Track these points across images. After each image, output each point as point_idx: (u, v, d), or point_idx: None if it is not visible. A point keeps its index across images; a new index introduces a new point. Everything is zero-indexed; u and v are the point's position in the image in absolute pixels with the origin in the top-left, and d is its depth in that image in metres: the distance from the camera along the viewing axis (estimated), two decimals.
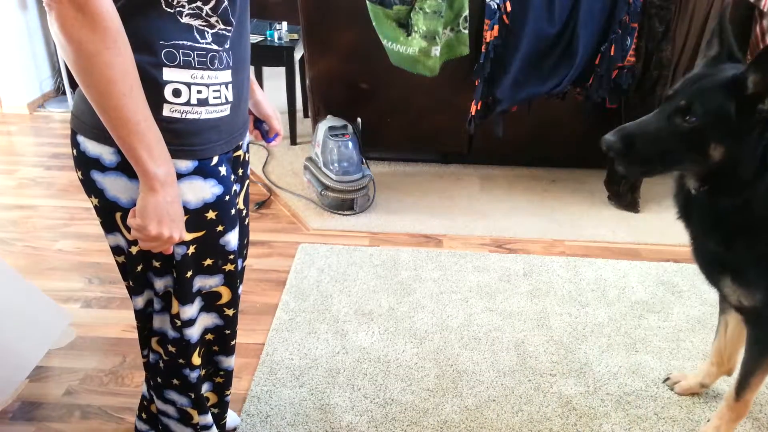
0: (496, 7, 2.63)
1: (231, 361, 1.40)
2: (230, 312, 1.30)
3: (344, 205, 2.89)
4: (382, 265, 2.51)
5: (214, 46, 1.03)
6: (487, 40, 2.68)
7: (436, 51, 2.66)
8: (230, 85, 1.08)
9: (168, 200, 1.00)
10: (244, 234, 1.40)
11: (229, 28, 1.04)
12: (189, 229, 1.11)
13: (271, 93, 4.12)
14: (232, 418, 1.71)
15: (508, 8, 2.63)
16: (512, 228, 2.83)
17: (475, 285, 2.40)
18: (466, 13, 2.68)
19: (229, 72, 1.07)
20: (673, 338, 2.13)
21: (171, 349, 1.25)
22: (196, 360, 1.28)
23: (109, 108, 0.92)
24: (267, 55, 3.52)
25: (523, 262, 2.55)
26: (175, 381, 1.30)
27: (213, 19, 1.01)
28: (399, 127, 3.21)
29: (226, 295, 1.26)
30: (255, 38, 3.51)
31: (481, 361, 2.00)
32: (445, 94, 3.00)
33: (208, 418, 1.39)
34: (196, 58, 1.01)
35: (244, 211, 1.38)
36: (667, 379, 1.93)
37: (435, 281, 2.41)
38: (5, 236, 2.64)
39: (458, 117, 2.96)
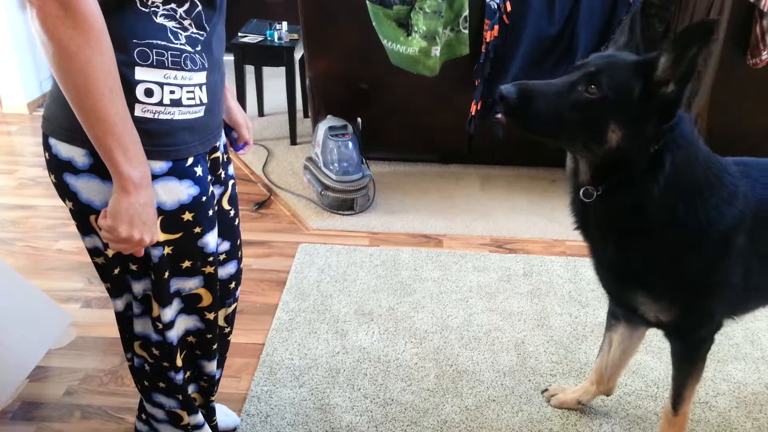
0: (496, 7, 2.63)
1: (213, 366, 1.38)
2: (211, 316, 1.28)
3: (344, 205, 2.89)
4: (382, 265, 2.51)
5: (188, 48, 1.02)
6: (487, 40, 2.69)
7: (436, 51, 2.66)
8: (204, 87, 1.07)
9: (141, 202, 0.99)
10: (235, 236, 1.38)
11: (202, 32, 1.04)
12: (165, 231, 1.10)
13: (271, 93, 4.13)
14: (232, 418, 1.71)
15: (508, 8, 2.63)
16: (512, 228, 2.83)
17: (475, 285, 2.40)
18: (466, 13, 2.68)
19: (203, 74, 1.06)
20: None
21: (155, 352, 1.25)
22: (180, 362, 1.28)
23: (87, 107, 0.91)
24: (267, 55, 3.52)
25: (523, 262, 2.55)
26: (161, 384, 1.30)
27: (186, 22, 1.01)
28: (399, 127, 3.21)
29: (206, 298, 1.25)
30: (255, 38, 3.51)
31: (481, 361, 2.00)
32: (445, 95, 3.00)
33: (199, 418, 1.38)
34: (169, 58, 1.00)
35: (232, 212, 1.36)
36: (545, 390, 1.88)
37: (435, 281, 2.41)
38: (5, 236, 2.64)
39: (458, 117, 2.96)
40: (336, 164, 2.86)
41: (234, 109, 1.36)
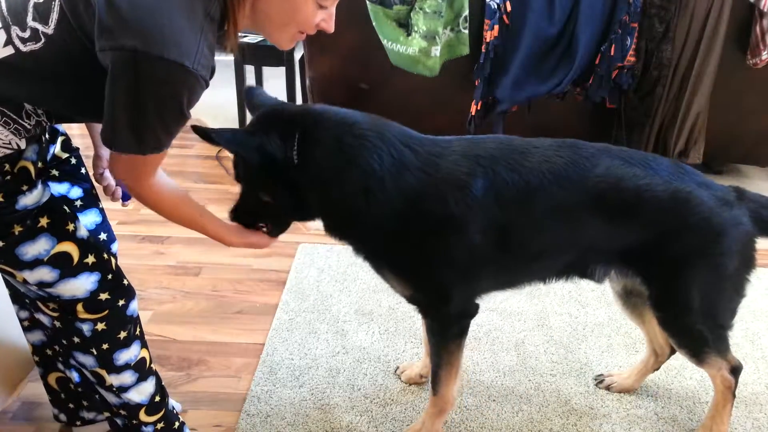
0: (496, 7, 2.63)
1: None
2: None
3: None
4: None
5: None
6: (487, 40, 2.69)
7: (436, 51, 2.67)
8: None
9: None
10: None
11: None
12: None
13: (271, 93, 4.11)
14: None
15: (508, 8, 2.63)
16: None
17: None
18: (466, 13, 2.68)
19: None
20: None
21: None
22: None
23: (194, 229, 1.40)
24: (267, 55, 3.51)
25: None
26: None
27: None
28: None
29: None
30: (255, 38, 3.50)
31: (481, 361, 2.00)
32: (445, 95, 3.00)
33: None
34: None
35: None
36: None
37: None
38: None
39: (458, 117, 2.95)
40: None
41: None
